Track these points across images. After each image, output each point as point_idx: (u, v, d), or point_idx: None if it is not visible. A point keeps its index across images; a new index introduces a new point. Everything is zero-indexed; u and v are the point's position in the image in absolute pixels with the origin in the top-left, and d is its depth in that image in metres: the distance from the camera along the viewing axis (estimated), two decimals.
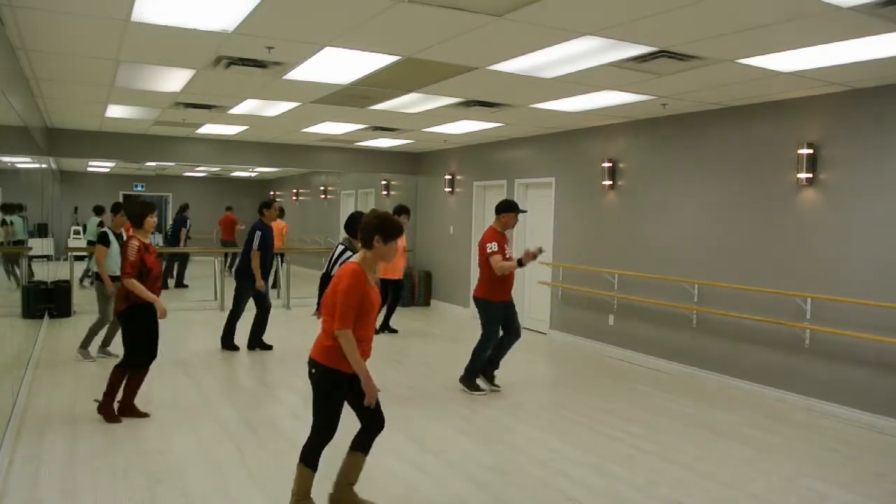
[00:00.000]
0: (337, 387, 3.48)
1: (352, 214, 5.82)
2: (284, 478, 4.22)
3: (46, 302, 9.49)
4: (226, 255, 14.36)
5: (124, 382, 5.17)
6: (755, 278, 6.53)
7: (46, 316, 9.46)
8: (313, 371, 3.51)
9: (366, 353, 3.51)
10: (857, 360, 5.72)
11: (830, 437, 5.33)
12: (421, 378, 6.85)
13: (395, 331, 9.15)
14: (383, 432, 5.18)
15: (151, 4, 4.15)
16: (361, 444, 3.73)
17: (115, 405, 5.17)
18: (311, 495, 3.61)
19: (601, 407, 5.97)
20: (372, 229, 3.46)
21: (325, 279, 5.68)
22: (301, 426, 5.24)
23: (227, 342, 7.88)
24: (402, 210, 8.66)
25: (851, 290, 5.72)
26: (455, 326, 9.94)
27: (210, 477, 4.20)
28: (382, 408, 3.68)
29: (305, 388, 6.28)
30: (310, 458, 3.58)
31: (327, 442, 3.57)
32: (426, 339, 8.89)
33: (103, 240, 6.99)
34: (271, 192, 21.58)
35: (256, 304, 7.81)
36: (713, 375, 6.92)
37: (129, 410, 5.22)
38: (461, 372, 6.36)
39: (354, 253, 5.57)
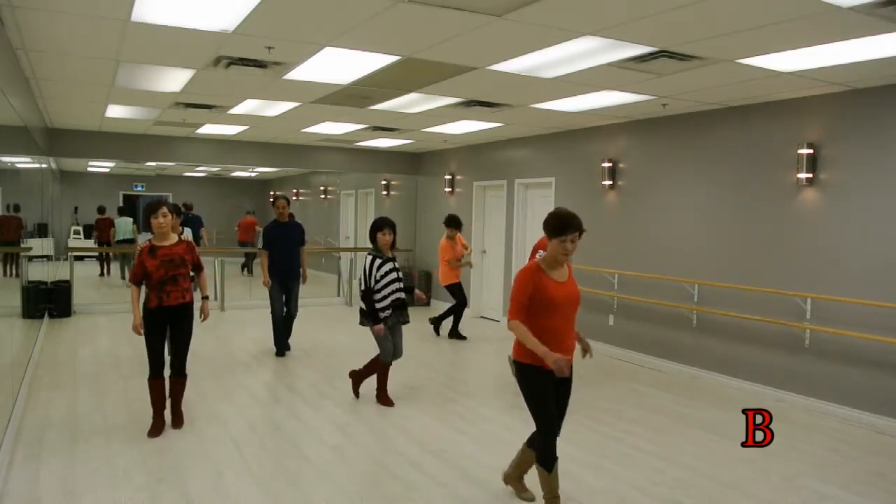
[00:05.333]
0: (533, 377, 3.61)
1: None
2: (284, 478, 4.23)
3: (46, 302, 9.49)
4: (247, 255, 15.66)
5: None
6: (755, 278, 6.53)
7: (46, 316, 9.47)
8: (514, 370, 3.72)
9: (558, 347, 3.53)
10: (857, 360, 5.72)
11: (830, 437, 5.33)
12: (421, 378, 6.85)
13: (463, 337, 9.02)
14: (383, 432, 5.19)
15: (151, 4, 4.15)
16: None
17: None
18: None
19: (601, 407, 5.97)
20: (545, 225, 3.65)
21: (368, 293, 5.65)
22: (301, 426, 5.26)
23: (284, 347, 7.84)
24: (449, 221, 8.94)
25: (851, 290, 5.72)
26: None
27: (210, 477, 4.20)
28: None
29: (305, 389, 6.33)
30: (541, 458, 3.71)
31: (549, 436, 3.65)
32: (426, 339, 8.89)
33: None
34: (271, 192, 21.59)
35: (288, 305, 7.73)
36: (713, 375, 6.92)
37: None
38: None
39: (381, 259, 5.65)
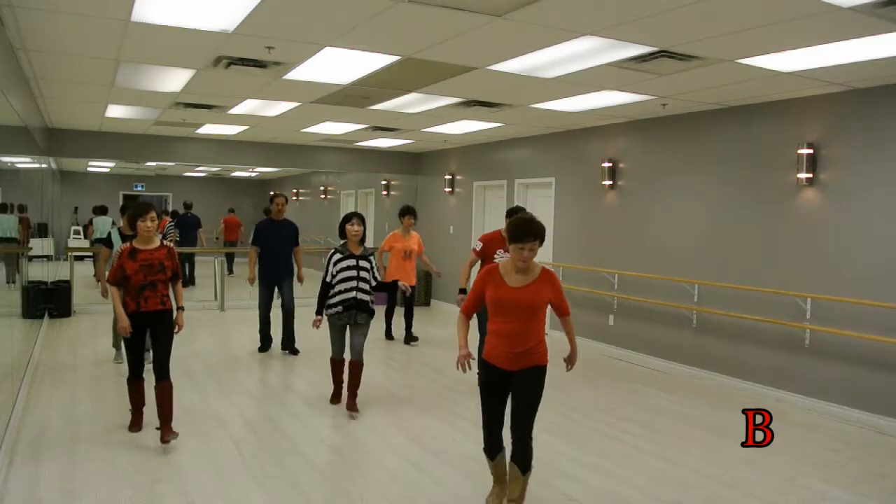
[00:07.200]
0: (481, 369, 3.74)
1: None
2: (285, 478, 4.23)
3: (46, 302, 9.49)
4: (228, 255, 14.98)
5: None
6: (755, 278, 6.53)
7: (46, 316, 9.47)
8: None
9: (498, 348, 3.64)
10: (857, 360, 5.72)
11: (830, 437, 5.33)
12: (421, 378, 6.85)
13: (415, 338, 8.66)
14: (383, 432, 5.18)
15: (151, 4, 4.15)
16: (512, 452, 3.58)
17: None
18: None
19: (601, 407, 5.97)
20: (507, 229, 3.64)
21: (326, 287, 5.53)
22: (301, 426, 5.25)
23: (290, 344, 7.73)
24: (405, 211, 8.53)
25: (851, 290, 5.72)
26: (455, 326, 9.93)
27: (210, 477, 4.20)
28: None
29: (306, 389, 6.33)
30: (484, 445, 3.73)
31: (485, 426, 3.69)
32: (426, 339, 8.89)
33: (107, 241, 6.82)
34: (271, 192, 21.62)
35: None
36: (713, 375, 6.92)
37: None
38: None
39: (341, 254, 5.48)
